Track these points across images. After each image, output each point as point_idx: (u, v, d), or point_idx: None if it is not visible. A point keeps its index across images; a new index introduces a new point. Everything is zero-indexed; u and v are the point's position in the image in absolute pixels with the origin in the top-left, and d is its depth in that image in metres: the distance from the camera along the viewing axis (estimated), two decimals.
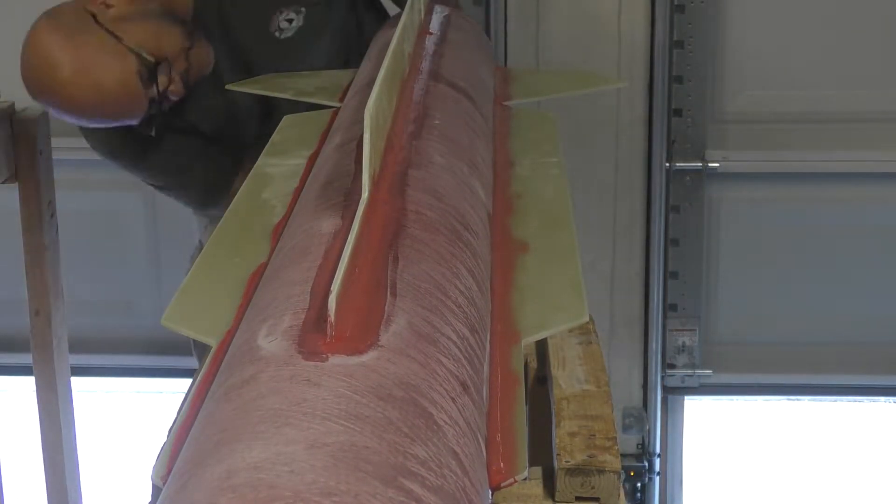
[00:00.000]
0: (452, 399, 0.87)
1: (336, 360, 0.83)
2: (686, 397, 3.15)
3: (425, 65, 1.70)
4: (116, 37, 1.82)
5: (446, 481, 0.76)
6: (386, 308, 0.93)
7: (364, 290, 0.94)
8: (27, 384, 2.21)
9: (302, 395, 0.78)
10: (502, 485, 0.91)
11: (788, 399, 3.21)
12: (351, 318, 0.88)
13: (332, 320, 0.85)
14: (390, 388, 0.82)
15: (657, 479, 3.13)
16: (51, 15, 1.84)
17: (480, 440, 0.90)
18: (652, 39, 2.93)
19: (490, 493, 0.90)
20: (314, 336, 0.86)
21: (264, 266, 1.18)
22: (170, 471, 0.81)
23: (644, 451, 3.12)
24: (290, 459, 0.71)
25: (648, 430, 3.09)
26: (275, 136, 1.67)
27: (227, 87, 2.00)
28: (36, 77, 1.82)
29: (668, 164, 2.98)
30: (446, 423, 0.83)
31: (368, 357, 0.85)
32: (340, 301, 0.87)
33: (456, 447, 0.82)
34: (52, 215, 2.09)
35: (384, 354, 0.86)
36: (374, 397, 0.79)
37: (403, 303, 0.95)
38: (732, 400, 3.25)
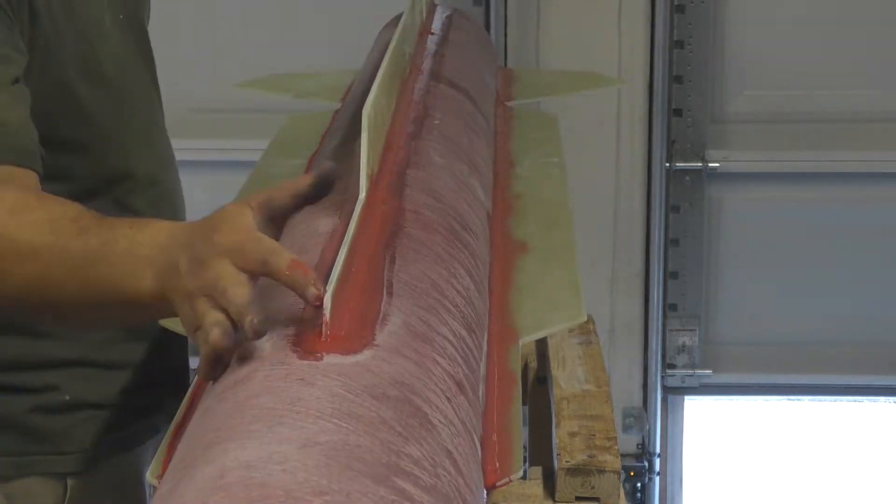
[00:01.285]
0: (448, 398, 0.87)
1: (331, 359, 0.83)
2: (686, 397, 3.15)
3: (426, 65, 1.70)
4: None
5: (440, 480, 0.76)
6: (382, 307, 0.93)
7: (360, 289, 0.94)
8: None
9: (296, 395, 0.78)
10: (497, 484, 0.91)
11: (788, 399, 3.20)
12: (346, 318, 0.88)
13: (328, 319, 0.85)
14: (385, 387, 0.82)
15: (657, 479, 3.12)
16: None
17: (476, 440, 0.90)
18: (652, 39, 2.93)
19: (485, 492, 0.90)
20: (309, 335, 0.86)
21: None
22: (165, 470, 0.81)
23: (644, 451, 3.11)
24: (282, 458, 0.71)
25: (648, 430, 3.09)
26: (277, 136, 1.67)
27: (235, 85, 1.98)
28: None
29: (668, 164, 2.97)
30: (441, 422, 0.83)
31: (363, 356, 0.85)
32: (336, 300, 0.87)
33: (450, 446, 0.82)
34: None
35: (379, 354, 0.86)
36: (369, 396, 0.79)
37: (399, 302, 0.95)
38: (732, 400, 3.24)
